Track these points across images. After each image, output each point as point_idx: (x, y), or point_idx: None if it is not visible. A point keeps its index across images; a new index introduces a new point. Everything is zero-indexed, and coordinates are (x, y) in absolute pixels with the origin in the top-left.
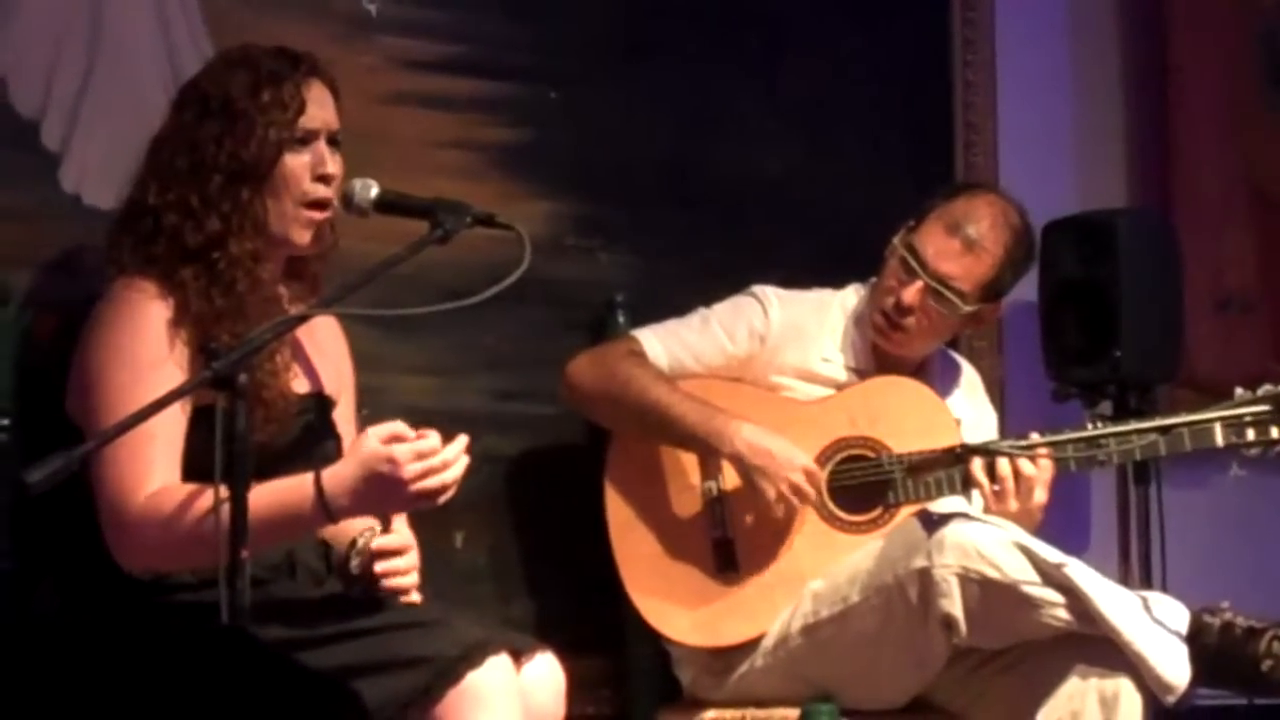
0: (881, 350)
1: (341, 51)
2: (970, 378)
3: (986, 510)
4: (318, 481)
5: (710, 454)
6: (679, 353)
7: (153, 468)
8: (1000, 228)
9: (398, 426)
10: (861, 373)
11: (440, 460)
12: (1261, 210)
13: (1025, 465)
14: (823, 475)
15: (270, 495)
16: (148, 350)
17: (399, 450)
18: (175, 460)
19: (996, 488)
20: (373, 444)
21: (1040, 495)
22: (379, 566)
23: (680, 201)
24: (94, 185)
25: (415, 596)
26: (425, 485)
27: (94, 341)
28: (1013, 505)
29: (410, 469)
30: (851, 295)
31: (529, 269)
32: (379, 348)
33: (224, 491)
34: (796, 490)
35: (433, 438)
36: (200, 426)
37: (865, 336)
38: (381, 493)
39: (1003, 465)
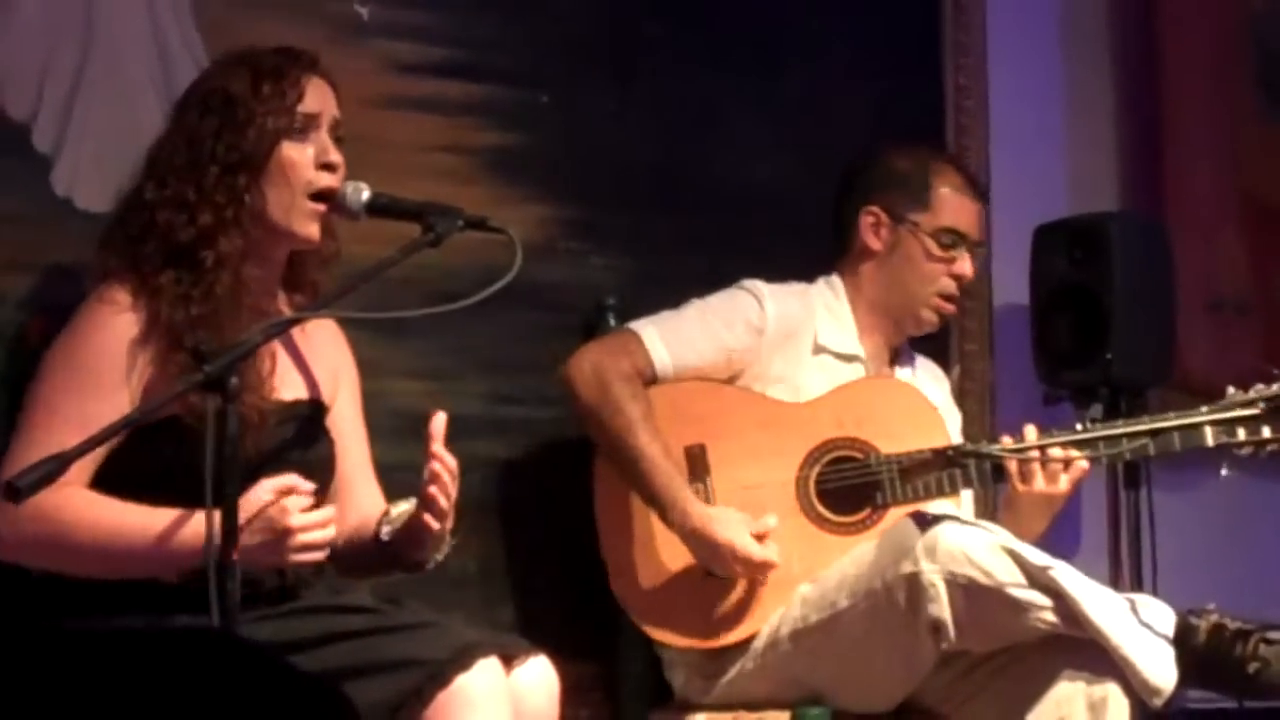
0: (867, 336)
1: (333, 55)
2: (938, 374)
3: (1012, 494)
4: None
5: (662, 520)
6: (681, 351)
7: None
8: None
9: (291, 479)
10: (856, 358)
11: (322, 516)
12: (1253, 213)
13: (1055, 451)
14: (773, 553)
15: (154, 519)
16: (100, 362)
17: (290, 500)
18: (86, 467)
19: (1023, 471)
20: (264, 490)
21: (1064, 483)
22: (432, 473)
23: (671, 205)
24: (86, 188)
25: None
26: (309, 538)
27: (54, 342)
28: (1041, 484)
29: (297, 518)
30: (824, 286)
31: (520, 272)
32: (371, 351)
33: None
34: (752, 569)
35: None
36: (164, 438)
37: (854, 322)
38: (264, 536)
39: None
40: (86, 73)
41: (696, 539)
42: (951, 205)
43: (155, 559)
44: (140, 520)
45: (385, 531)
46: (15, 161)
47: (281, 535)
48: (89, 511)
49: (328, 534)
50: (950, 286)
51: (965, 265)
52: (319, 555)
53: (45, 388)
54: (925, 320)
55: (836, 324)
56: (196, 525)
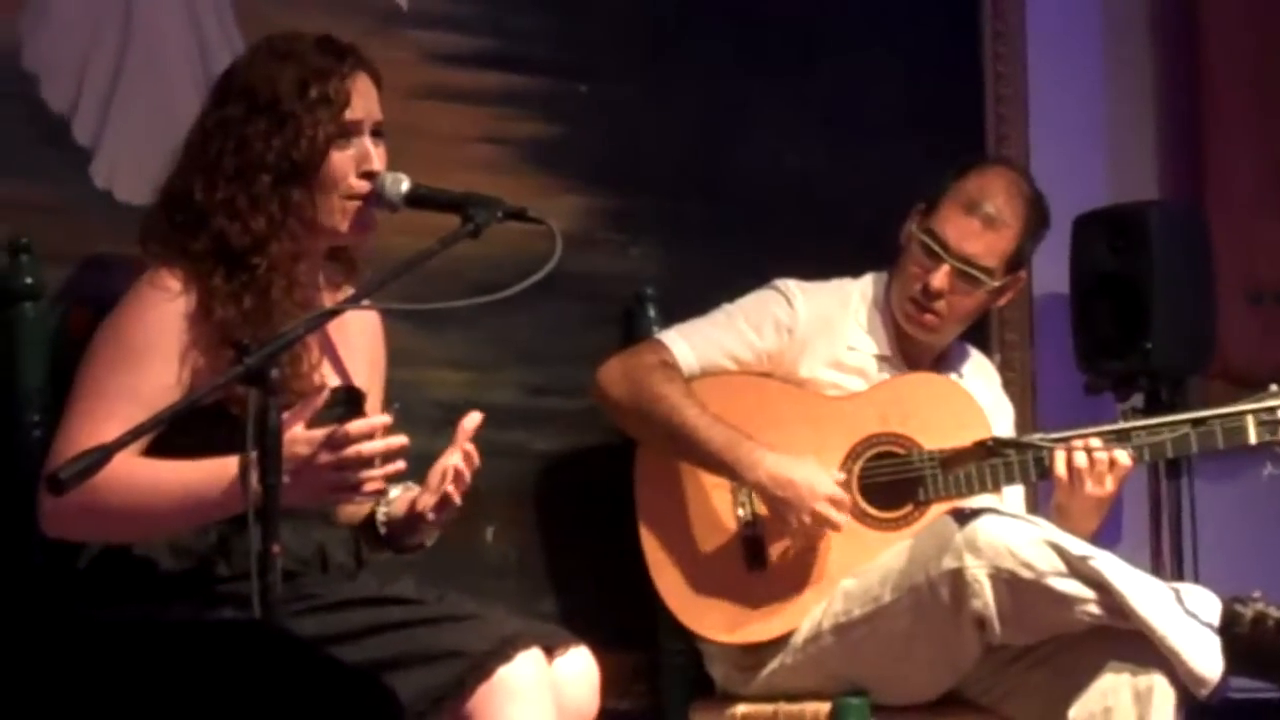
0: (905, 336)
1: (372, 46)
2: (987, 369)
3: (1062, 499)
4: (242, 461)
5: (735, 480)
6: (708, 352)
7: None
8: (1015, 199)
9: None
10: (887, 359)
11: (354, 451)
12: None
13: (1099, 453)
14: (849, 495)
15: (187, 471)
16: (148, 340)
17: (315, 433)
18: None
19: (1071, 476)
20: (295, 428)
21: (1110, 483)
22: (455, 471)
23: (710, 196)
24: (126, 181)
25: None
26: (344, 478)
27: (102, 325)
28: (1090, 487)
29: (322, 456)
30: (870, 283)
31: (560, 263)
32: (410, 342)
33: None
34: (821, 519)
35: (357, 424)
36: (208, 425)
37: (888, 323)
38: (295, 476)
39: (1078, 456)
40: (126, 65)
41: (773, 479)
42: (946, 212)
43: (195, 506)
44: (176, 470)
45: (381, 514)
46: (55, 154)
47: (304, 471)
48: (124, 468)
49: (368, 473)
50: (915, 291)
51: (936, 277)
52: (363, 494)
53: (93, 367)
54: (905, 322)
55: (869, 321)
56: (234, 469)
